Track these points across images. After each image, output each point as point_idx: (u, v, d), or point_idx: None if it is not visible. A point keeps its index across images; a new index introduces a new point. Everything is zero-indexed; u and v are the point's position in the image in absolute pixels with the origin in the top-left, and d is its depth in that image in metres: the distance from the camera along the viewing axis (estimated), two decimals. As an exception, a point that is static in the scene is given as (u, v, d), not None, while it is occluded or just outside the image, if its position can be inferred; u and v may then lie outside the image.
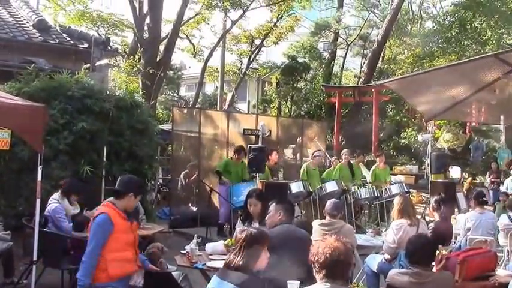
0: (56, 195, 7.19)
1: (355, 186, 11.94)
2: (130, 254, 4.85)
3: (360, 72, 30.73)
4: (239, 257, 3.57)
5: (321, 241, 3.49)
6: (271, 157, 11.58)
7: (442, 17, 30.13)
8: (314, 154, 11.94)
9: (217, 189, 11.16)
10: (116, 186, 4.93)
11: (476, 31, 25.88)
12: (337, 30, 30.94)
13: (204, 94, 33.71)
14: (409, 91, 4.63)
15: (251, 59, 29.51)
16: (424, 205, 12.30)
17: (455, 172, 16.34)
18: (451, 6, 28.09)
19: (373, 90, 21.02)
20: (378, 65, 29.30)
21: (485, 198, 8.70)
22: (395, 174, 17.14)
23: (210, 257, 5.57)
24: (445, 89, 4.70)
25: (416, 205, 14.10)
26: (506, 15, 23.67)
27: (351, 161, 12.77)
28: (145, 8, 18.32)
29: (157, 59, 18.09)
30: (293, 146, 14.80)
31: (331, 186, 11.00)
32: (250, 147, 10.57)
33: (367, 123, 24.50)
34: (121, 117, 9.66)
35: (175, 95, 32.88)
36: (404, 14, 31.67)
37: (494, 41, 24.99)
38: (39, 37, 12.52)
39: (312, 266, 3.43)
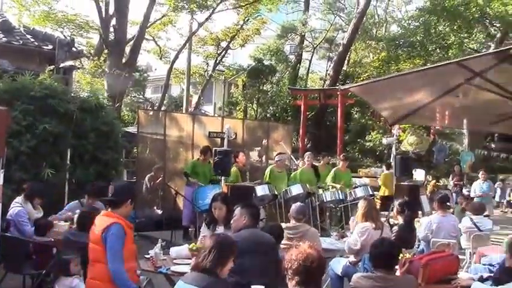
0: (19, 198, 7.08)
1: (321, 189, 11.94)
2: (135, 264, 4.84)
3: (326, 75, 30.97)
4: (207, 260, 3.57)
5: (295, 248, 3.52)
6: (239, 158, 11.53)
7: (407, 21, 30.58)
8: (276, 158, 11.88)
9: (183, 192, 11.06)
10: (111, 195, 4.86)
11: (440, 35, 26.41)
12: (303, 33, 31.17)
13: (170, 96, 33.52)
14: (373, 96, 4.68)
15: (217, 62, 29.53)
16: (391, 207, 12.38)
17: (419, 175, 16.48)
18: (415, 10, 28.56)
19: (338, 93, 21.21)
20: (343, 68, 29.61)
21: (448, 203, 8.86)
22: (360, 177, 17.30)
23: (174, 261, 5.54)
24: (409, 94, 4.77)
25: (381, 207, 14.31)
26: (469, 20, 24.22)
27: (315, 164, 12.75)
28: (111, 10, 18.15)
29: (123, 61, 17.91)
30: (259, 148, 14.66)
31: (296, 190, 10.97)
32: (215, 150, 10.49)
33: (333, 125, 24.68)
34: (85, 119, 9.54)
35: (141, 97, 32.60)
36: (370, 17, 32.08)
37: (456, 45, 25.53)
38: (3, 38, 12.30)
39: (286, 272, 3.45)
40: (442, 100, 4.77)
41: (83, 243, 4.94)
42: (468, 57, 3.96)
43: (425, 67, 4.14)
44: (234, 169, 11.03)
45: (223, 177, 10.45)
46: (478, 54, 4.23)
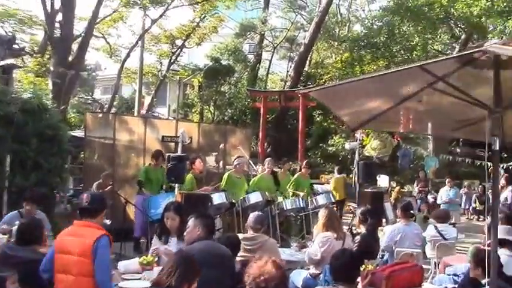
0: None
1: (281, 197, 11.97)
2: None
3: (287, 76, 31.22)
4: (172, 278, 3.54)
5: (254, 262, 3.53)
6: (196, 165, 11.35)
7: (370, 21, 31.14)
8: (234, 162, 11.80)
9: (134, 201, 10.93)
10: (89, 204, 4.87)
11: (404, 36, 26.95)
12: (263, 32, 31.33)
13: (121, 97, 33.18)
14: (334, 100, 4.71)
15: (172, 61, 29.38)
16: (352, 215, 12.50)
17: (383, 181, 16.79)
18: (379, 10, 29.07)
19: (299, 95, 21.40)
20: (305, 69, 29.94)
21: (412, 211, 8.99)
22: (322, 183, 17.40)
23: (123, 276, 5.42)
24: (371, 99, 4.81)
25: (344, 215, 14.47)
26: (433, 21, 24.76)
27: (275, 170, 12.75)
28: (57, 4, 17.79)
29: (70, 59, 17.60)
30: (216, 153, 14.72)
31: (254, 197, 10.93)
32: (169, 155, 10.36)
33: (294, 129, 24.82)
34: (27, 122, 9.28)
35: (89, 98, 32.17)
36: (332, 16, 32.49)
37: (421, 46, 26.08)
38: None
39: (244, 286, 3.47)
40: (405, 105, 4.82)
41: (21, 258, 4.80)
42: (430, 61, 4.01)
43: (387, 71, 4.21)
44: (189, 176, 10.91)
45: (177, 185, 10.30)
46: (441, 58, 4.32)
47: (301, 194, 12.07)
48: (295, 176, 12.85)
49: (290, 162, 14.72)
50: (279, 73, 34.70)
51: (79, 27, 19.74)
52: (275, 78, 34.62)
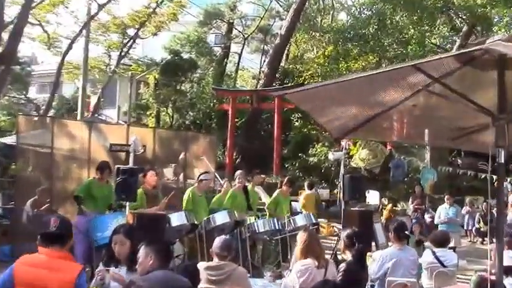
0: None
1: (252, 217, 11.95)
2: None
3: (260, 72, 31.37)
4: None
5: None
6: (147, 178, 11.20)
7: (358, 9, 31.38)
8: (200, 177, 11.68)
9: (75, 221, 10.78)
10: (59, 230, 4.78)
11: (397, 28, 27.25)
12: (231, 20, 31.45)
13: (61, 97, 32.87)
14: (315, 104, 4.72)
15: (123, 54, 29.18)
16: (337, 238, 12.50)
17: (372, 198, 16.92)
18: (367, -4, 29.31)
19: (275, 95, 21.48)
20: (281, 65, 29.94)
21: (406, 232, 9.02)
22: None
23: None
24: (358, 102, 4.86)
25: (327, 238, 14.46)
26: (430, 11, 25.05)
27: (247, 185, 12.66)
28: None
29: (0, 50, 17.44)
30: (175, 165, 14.80)
31: (221, 218, 10.84)
32: (118, 168, 10.24)
33: (268, 136, 24.91)
34: None
35: (22, 97, 31.75)
36: (314, 3, 32.62)
37: (417, 40, 26.36)
38: None
39: None
40: (397, 109, 4.88)
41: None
42: (425, 60, 4.08)
43: (376, 71, 4.25)
44: (139, 191, 10.66)
45: (127, 203, 10.18)
46: (437, 57, 4.32)
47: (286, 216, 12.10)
48: (275, 194, 12.87)
49: (263, 175, 14.66)
50: (251, 69, 34.75)
51: (10, 13, 19.53)
52: (246, 75, 34.67)
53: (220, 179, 14.48)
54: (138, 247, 5.13)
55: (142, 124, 26.41)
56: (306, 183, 16.15)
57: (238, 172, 12.77)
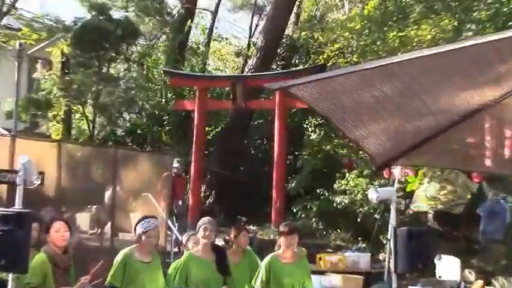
0: None
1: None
2: None
3: (249, 45, 24.48)
4: None
5: None
6: (52, 234, 8.18)
7: None
8: (137, 228, 8.27)
9: None
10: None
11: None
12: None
13: None
14: (341, 106, 3.44)
15: (5, 11, 21.38)
16: None
17: (448, 268, 12.97)
18: None
19: (274, 89, 15.27)
20: (286, 32, 22.28)
21: None
22: (322, 273, 12.89)
23: None
24: (421, 104, 3.85)
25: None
26: None
27: (218, 243, 9.11)
28: None
29: None
30: (96, 206, 12.47)
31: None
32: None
33: (263, 157, 19.50)
34: None
35: None
36: None
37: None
38: None
39: None
40: (491, 115, 4.15)
41: None
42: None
43: (458, 45, 2.94)
44: (39, 258, 7.88)
45: (11, 276, 7.09)
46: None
47: None
48: (267, 258, 8.69)
49: (254, 226, 11.95)
50: (234, 39, 27.58)
51: None
52: (225, 51, 27.08)
53: (178, 234, 11.23)
54: None
55: (40, 134, 19.85)
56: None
57: (202, 220, 8.95)
